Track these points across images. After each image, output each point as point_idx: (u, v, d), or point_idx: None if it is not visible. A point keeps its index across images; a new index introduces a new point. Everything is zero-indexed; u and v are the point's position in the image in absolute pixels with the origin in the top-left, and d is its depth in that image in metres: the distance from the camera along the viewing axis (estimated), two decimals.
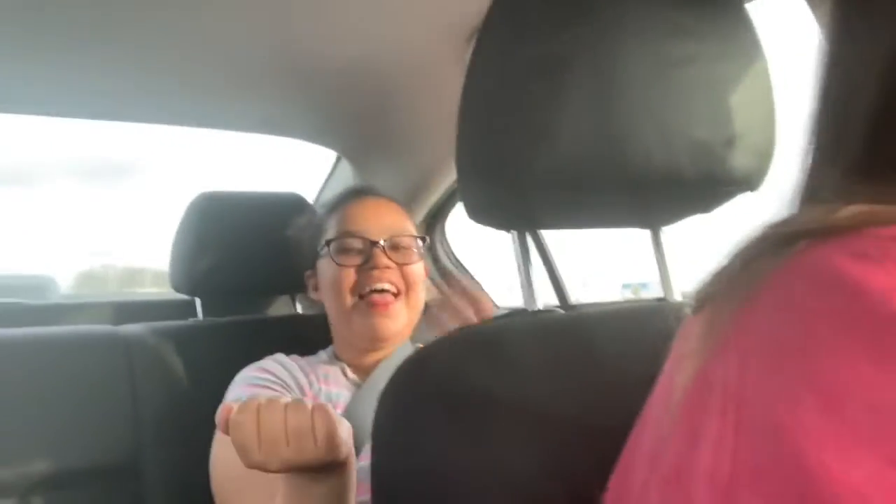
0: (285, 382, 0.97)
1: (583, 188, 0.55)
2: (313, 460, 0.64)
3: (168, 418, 1.10)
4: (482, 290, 1.66)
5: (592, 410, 0.48)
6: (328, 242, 1.04)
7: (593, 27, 0.51)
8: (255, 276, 1.28)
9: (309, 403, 0.65)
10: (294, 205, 1.35)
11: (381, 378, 0.99)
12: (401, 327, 1.02)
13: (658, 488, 0.31)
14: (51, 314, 1.35)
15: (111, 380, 1.09)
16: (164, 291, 1.59)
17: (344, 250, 1.03)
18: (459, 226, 1.65)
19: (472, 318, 1.18)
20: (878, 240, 0.27)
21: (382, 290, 1.00)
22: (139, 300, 1.56)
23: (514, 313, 0.62)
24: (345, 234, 1.04)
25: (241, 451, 0.63)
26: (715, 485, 0.27)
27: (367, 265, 1.01)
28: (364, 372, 1.04)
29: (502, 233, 0.63)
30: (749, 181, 0.57)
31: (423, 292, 1.07)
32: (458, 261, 1.68)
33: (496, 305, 1.64)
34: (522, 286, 0.62)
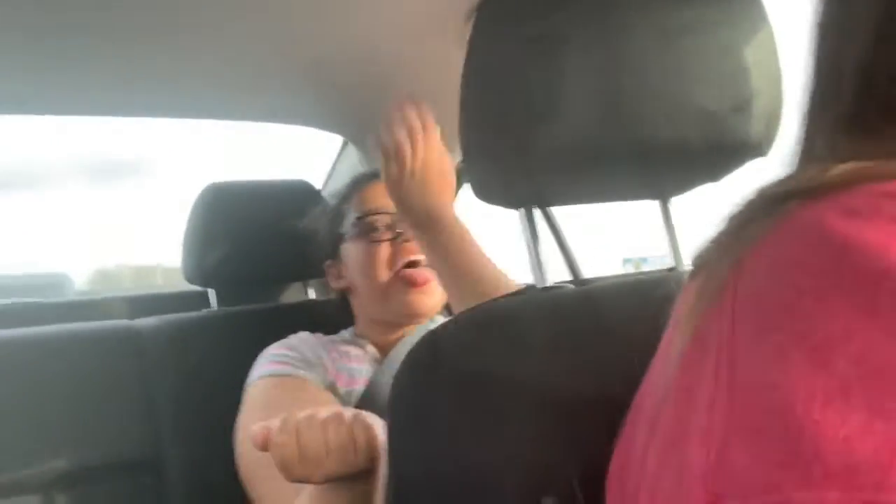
0: (308, 360, 0.98)
1: (589, 162, 0.54)
2: (355, 469, 0.65)
3: (187, 410, 1.11)
4: None
5: (606, 384, 0.48)
6: (356, 221, 1.05)
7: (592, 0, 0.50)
8: (267, 264, 1.29)
9: (348, 415, 0.66)
10: (303, 192, 1.35)
11: (399, 357, 0.99)
12: (436, 303, 1.03)
13: (656, 451, 0.31)
14: (66, 311, 1.36)
15: (128, 374, 1.10)
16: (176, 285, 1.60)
17: (373, 227, 1.03)
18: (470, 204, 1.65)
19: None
20: (869, 196, 0.27)
21: (417, 263, 1.00)
22: (153, 293, 1.57)
23: (525, 290, 0.62)
24: (370, 211, 1.04)
25: (284, 469, 0.64)
26: (708, 443, 0.27)
27: (398, 239, 1.02)
28: (386, 349, 1.05)
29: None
30: (758, 146, 0.56)
31: None
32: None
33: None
34: (531, 263, 0.62)
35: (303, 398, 0.89)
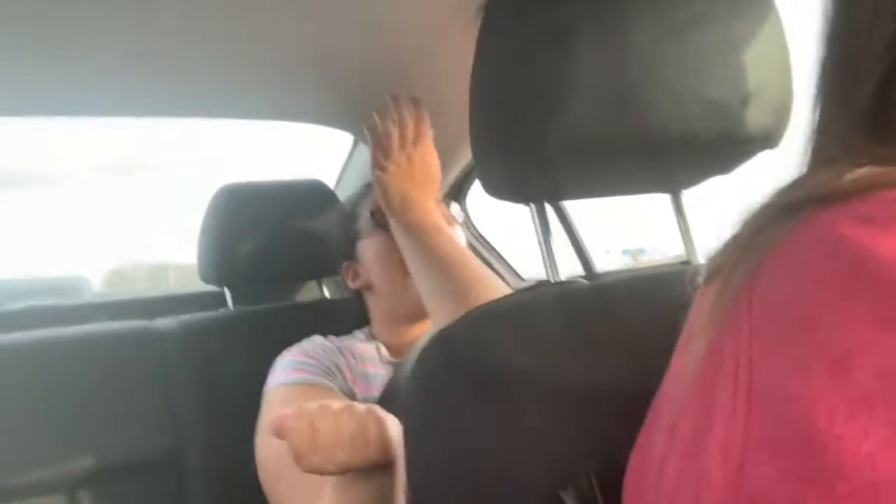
0: (328, 368, 0.98)
1: (598, 156, 0.54)
2: (368, 462, 0.65)
3: (206, 409, 1.12)
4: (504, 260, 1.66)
5: (620, 379, 0.48)
6: (372, 214, 1.06)
7: None
8: (282, 263, 1.30)
9: (361, 407, 0.66)
10: (316, 191, 1.35)
11: None
12: None
13: (675, 462, 0.31)
14: (84, 313, 1.38)
15: (148, 375, 1.11)
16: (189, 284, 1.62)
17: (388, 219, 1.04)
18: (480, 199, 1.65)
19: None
20: (884, 203, 0.27)
21: None
22: (170, 294, 1.59)
23: (538, 285, 0.62)
24: None
25: (298, 457, 0.64)
26: (727, 456, 0.27)
27: None
28: (400, 351, 1.05)
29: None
30: (768, 138, 0.56)
31: None
32: (481, 236, 1.69)
33: (521, 278, 1.64)
34: (543, 258, 0.62)
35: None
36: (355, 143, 1.56)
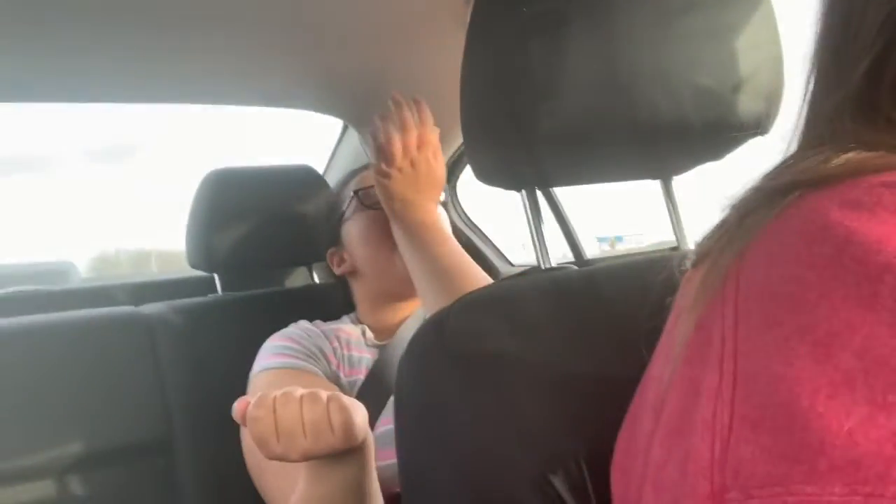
0: (311, 352, 0.98)
1: (590, 143, 0.54)
2: (331, 449, 0.65)
3: (195, 394, 1.12)
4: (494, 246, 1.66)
5: (610, 364, 0.48)
6: (355, 193, 1.06)
7: None
8: (271, 249, 1.29)
9: (324, 394, 0.66)
10: (306, 177, 1.35)
11: (404, 338, 1.00)
12: None
13: (661, 440, 0.31)
14: (73, 298, 1.37)
15: (136, 360, 1.11)
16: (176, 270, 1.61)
17: (371, 197, 1.04)
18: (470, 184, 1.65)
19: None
20: (871, 188, 0.27)
21: None
22: (158, 280, 1.58)
23: (528, 272, 0.62)
24: (370, 185, 1.05)
25: (261, 444, 0.65)
26: (713, 436, 0.27)
27: None
28: (386, 333, 1.06)
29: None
30: (759, 125, 0.56)
31: None
32: (470, 221, 1.69)
33: (511, 264, 1.64)
34: (534, 244, 0.63)
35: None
36: (345, 128, 1.56)
